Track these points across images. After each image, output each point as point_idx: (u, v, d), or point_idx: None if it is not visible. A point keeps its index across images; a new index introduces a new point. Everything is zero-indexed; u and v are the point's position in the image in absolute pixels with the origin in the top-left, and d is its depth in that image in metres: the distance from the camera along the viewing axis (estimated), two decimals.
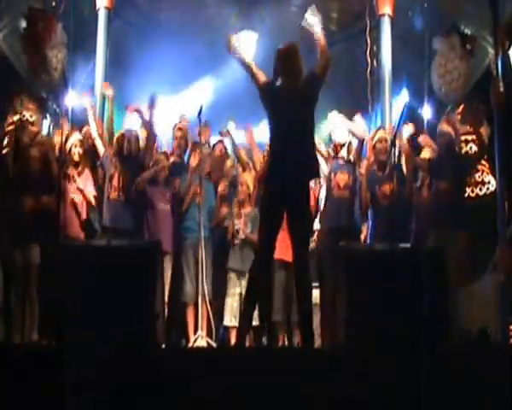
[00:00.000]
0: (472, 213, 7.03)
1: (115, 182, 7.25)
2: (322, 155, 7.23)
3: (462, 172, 7.34)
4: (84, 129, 7.71)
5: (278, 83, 5.74)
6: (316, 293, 7.31)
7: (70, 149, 7.29)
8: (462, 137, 7.54)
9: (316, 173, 5.84)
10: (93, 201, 7.30)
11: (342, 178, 7.05)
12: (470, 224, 6.93)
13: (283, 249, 6.89)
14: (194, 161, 7.43)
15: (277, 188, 5.59)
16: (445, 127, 7.34)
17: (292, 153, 5.54)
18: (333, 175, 7.10)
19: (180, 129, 7.75)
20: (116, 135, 7.53)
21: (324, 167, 7.18)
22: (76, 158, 7.33)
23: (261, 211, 6.04)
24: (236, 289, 7.18)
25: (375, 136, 7.31)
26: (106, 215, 7.25)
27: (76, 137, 7.40)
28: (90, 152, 7.60)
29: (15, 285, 6.84)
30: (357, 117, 7.35)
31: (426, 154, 7.43)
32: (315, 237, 8.00)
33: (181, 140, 7.72)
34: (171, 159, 7.71)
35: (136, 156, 7.46)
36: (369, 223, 7.37)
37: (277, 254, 6.84)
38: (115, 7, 9.30)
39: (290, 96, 5.64)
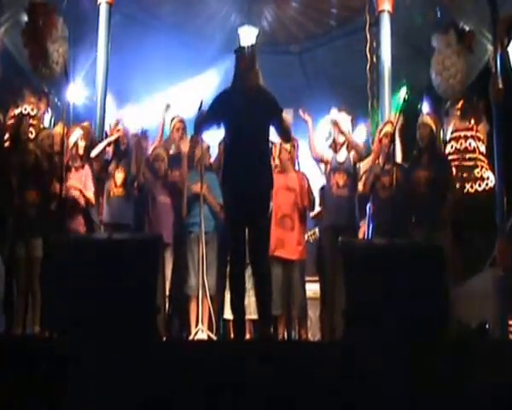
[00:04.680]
0: (471, 208, 7.05)
1: (116, 179, 7.30)
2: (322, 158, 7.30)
3: (443, 165, 7.30)
4: (84, 123, 7.77)
5: (235, 87, 5.82)
6: (315, 287, 7.38)
7: (75, 143, 7.35)
8: (462, 133, 7.57)
9: (271, 183, 5.80)
10: (92, 198, 7.34)
11: (341, 176, 7.07)
12: (468, 218, 6.94)
13: (279, 246, 6.94)
14: (197, 154, 7.42)
15: (236, 200, 5.65)
16: (426, 120, 7.30)
17: (249, 161, 5.58)
18: (332, 174, 7.11)
19: (181, 121, 7.78)
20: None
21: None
22: (81, 152, 7.39)
23: (225, 220, 6.08)
24: None
25: (382, 130, 7.33)
26: (107, 212, 7.30)
27: (80, 131, 7.45)
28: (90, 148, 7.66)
29: (18, 278, 6.88)
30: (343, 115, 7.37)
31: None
32: (312, 233, 8.05)
33: (182, 132, 7.74)
34: (171, 151, 7.76)
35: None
36: (367, 216, 7.41)
37: (274, 251, 6.91)
38: (116, 1, 9.31)
39: (248, 100, 5.68)
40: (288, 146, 7.24)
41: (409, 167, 7.12)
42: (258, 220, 5.66)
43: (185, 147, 7.52)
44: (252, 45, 6.00)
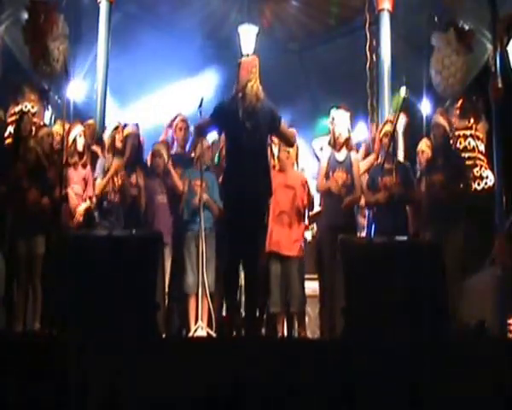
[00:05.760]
0: (470, 207, 7.06)
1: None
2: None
3: (457, 165, 7.32)
4: (89, 121, 7.77)
5: (237, 99, 5.95)
6: (314, 285, 7.38)
7: (74, 139, 7.32)
8: (461, 132, 7.57)
9: (270, 192, 6.04)
10: (90, 203, 7.32)
11: (340, 175, 7.05)
12: (467, 217, 6.96)
13: (278, 242, 6.95)
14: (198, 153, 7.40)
15: (235, 204, 5.91)
16: (440, 119, 7.31)
17: (249, 170, 5.82)
18: (331, 173, 7.10)
19: (183, 120, 7.76)
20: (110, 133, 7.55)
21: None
22: (80, 148, 7.35)
23: (224, 222, 6.37)
24: None
25: (382, 129, 7.33)
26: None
27: (79, 128, 7.43)
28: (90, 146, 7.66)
29: (19, 276, 6.89)
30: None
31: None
32: (311, 229, 8.05)
33: (185, 131, 7.73)
34: (174, 150, 7.74)
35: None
36: (367, 215, 7.42)
37: (272, 248, 6.92)
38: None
39: (248, 112, 5.86)
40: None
41: (423, 170, 7.14)
42: (256, 224, 5.88)
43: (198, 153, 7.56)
44: (253, 57, 6.14)
